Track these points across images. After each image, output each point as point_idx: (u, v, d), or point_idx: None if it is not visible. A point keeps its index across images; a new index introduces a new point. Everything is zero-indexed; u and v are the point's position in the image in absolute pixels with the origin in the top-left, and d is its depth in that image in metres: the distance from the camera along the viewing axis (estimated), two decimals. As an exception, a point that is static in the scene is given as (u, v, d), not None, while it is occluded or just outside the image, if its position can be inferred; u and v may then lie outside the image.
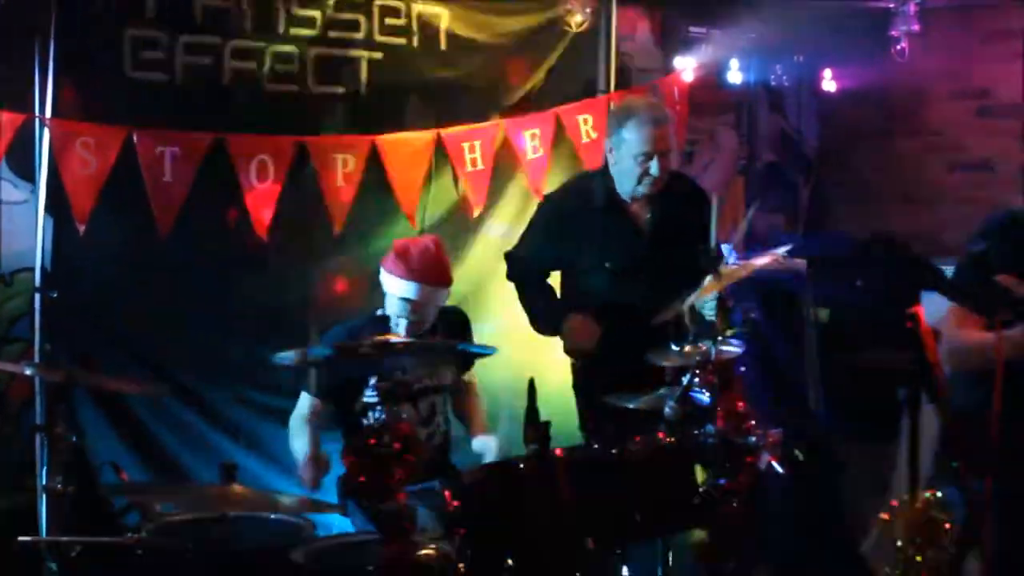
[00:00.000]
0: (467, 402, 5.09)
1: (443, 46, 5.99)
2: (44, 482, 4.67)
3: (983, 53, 7.69)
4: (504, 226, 6.12)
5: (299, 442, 4.76)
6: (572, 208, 5.08)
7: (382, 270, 4.78)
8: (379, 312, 4.84)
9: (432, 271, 4.73)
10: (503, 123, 6.03)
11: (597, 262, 4.96)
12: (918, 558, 3.06)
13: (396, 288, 4.72)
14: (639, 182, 4.87)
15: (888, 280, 3.84)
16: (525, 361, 5.84)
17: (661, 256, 4.87)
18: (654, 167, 4.83)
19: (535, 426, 3.62)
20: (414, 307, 4.71)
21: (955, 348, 4.17)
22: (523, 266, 5.18)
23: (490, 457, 4.77)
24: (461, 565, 3.57)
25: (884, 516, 3.13)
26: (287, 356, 3.90)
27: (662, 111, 5.01)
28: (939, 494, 3.14)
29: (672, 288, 4.43)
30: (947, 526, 3.08)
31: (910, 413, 3.47)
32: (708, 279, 4.31)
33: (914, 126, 8.01)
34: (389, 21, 5.82)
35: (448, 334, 4.92)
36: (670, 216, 4.96)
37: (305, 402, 4.84)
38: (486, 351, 4.45)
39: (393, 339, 4.33)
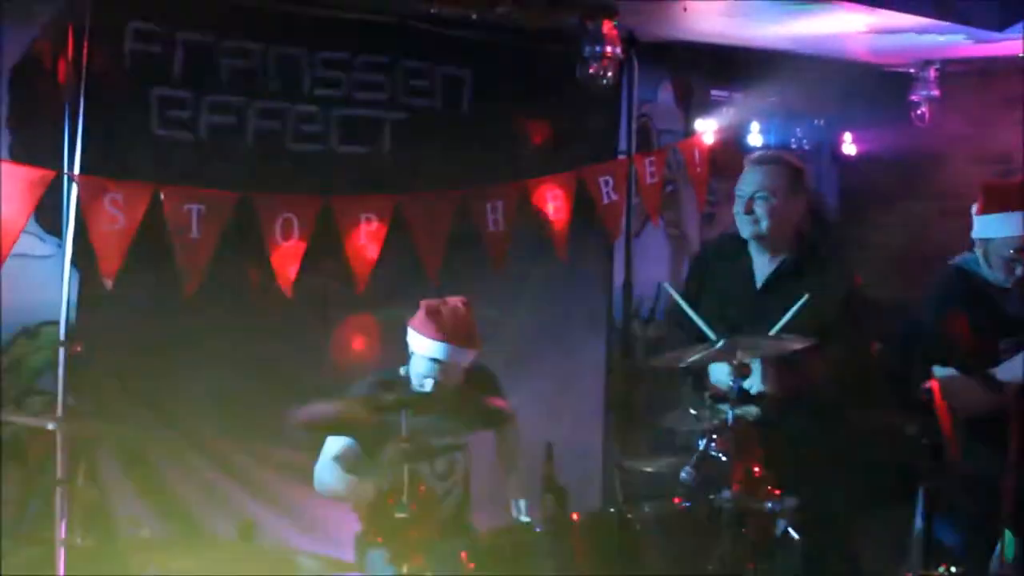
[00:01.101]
0: (505, 449, 5.08)
1: (466, 107, 6.06)
2: (63, 535, 4.70)
3: (1003, 118, 7.72)
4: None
5: (331, 477, 4.72)
6: None
7: (410, 329, 4.77)
8: (402, 370, 4.84)
9: (461, 333, 4.72)
10: (525, 183, 6.07)
11: None
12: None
13: (424, 348, 4.71)
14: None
15: (904, 351, 3.87)
16: (545, 418, 5.88)
17: None
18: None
19: (553, 490, 3.64)
20: (442, 367, 4.71)
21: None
22: None
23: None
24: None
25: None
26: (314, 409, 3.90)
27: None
28: (953, 569, 3.14)
29: None
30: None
31: (924, 484, 3.49)
32: (720, 343, 4.34)
33: (934, 190, 8.03)
34: (413, 82, 5.89)
35: (476, 392, 4.92)
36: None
37: (333, 443, 4.81)
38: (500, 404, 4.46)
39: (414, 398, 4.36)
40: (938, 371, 4.28)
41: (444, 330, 4.68)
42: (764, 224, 4.89)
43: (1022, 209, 4.75)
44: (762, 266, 4.98)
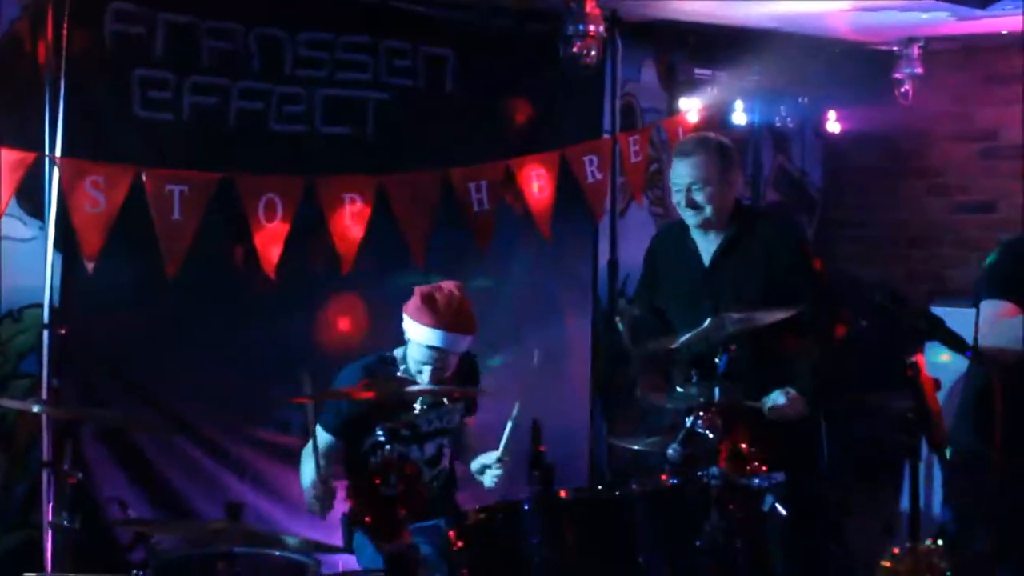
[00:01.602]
0: (464, 441, 5.09)
1: (449, 87, 6.04)
2: (50, 518, 4.69)
3: (987, 95, 7.74)
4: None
5: (308, 467, 4.74)
6: None
7: (405, 316, 4.73)
8: (389, 354, 4.83)
9: (459, 319, 4.68)
10: (509, 163, 6.06)
11: None
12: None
13: (422, 336, 4.66)
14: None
15: (890, 327, 3.87)
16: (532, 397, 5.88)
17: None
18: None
19: (540, 468, 3.64)
20: (440, 355, 4.68)
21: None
22: None
23: (492, 468, 4.68)
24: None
25: (885, 564, 3.14)
26: (301, 393, 3.90)
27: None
28: (940, 542, 3.15)
29: None
30: (950, 574, 3.09)
31: (910, 461, 3.50)
32: (707, 323, 4.35)
33: (918, 167, 8.05)
34: (396, 62, 5.87)
35: (458, 379, 4.91)
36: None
37: (321, 437, 4.83)
38: (482, 392, 4.44)
39: (412, 386, 4.35)
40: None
41: (441, 317, 4.64)
42: (708, 210, 4.91)
43: None
44: (706, 245, 5.00)
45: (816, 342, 4.76)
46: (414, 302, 4.69)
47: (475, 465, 4.79)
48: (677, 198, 4.96)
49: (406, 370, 4.74)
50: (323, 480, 4.40)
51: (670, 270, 5.15)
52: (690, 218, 4.95)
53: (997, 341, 4.30)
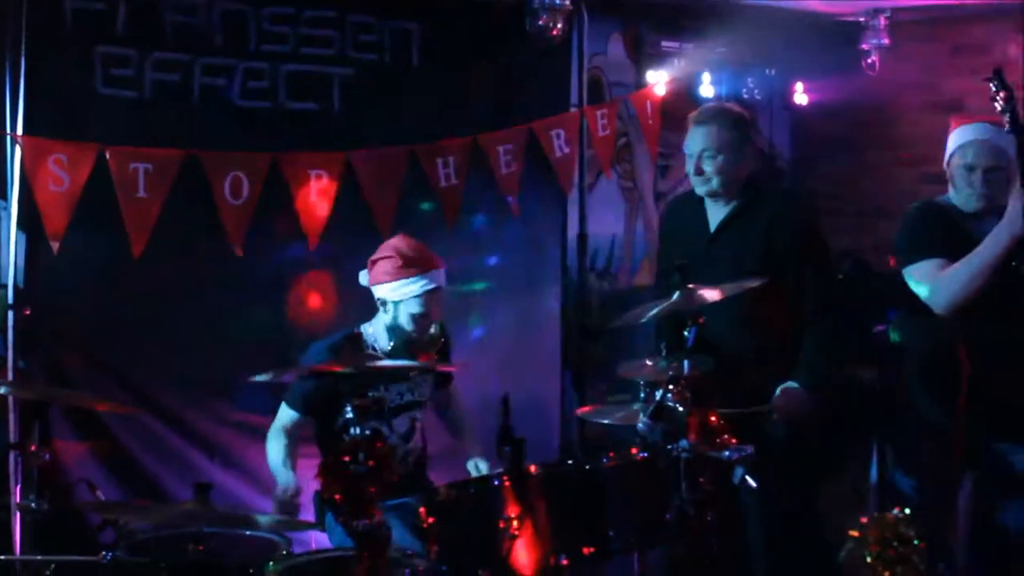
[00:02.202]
0: (453, 415, 5.08)
1: (415, 61, 6.01)
2: (18, 500, 4.66)
3: (953, 66, 7.75)
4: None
5: (275, 451, 4.73)
6: None
7: (382, 285, 4.70)
8: (355, 331, 4.81)
9: (431, 256, 4.70)
10: (476, 138, 6.04)
11: None
12: (887, 574, 3.08)
13: (417, 287, 4.65)
14: None
15: (856, 296, 3.89)
16: (502, 372, 5.89)
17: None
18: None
19: (510, 443, 3.63)
20: (436, 297, 4.68)
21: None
22: None
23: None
24: (436, 581, 3.58)
25: (854, 533, 3.15)
26: (264, 376, 3.88)
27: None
28: (908, 511, 3.17)
29: None
30: (917, 542, 3.10)
31: (878, 431, 3.51)
32: (675, 296, 4.34)
33: (885, 138, 8.07)
34: (362, 37, 5.83)
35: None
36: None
37: (285, 414, 4.81)
38: (454, 368, 4.44)
39: (376, 361, 4.34)
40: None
41: (422, 263, 4.65)
42: (715, 181, 4.91)
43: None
44: (716, 214, 4.99)
45: (816, 329, 4.75)
46: (388, 265, 4.66)
47: (470, 466, 4.80)
48: (688, 166, 4.97)
49: (375, 345, 4.73)
50: (284, 493, 4.43)
51: (679, 239, 5.13)
52: (698, 186, 4.95)
53: (947, 295, 4.41)
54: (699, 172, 4.90)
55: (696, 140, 4.93)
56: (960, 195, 4.63)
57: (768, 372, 4.76)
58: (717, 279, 4.42)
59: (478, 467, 4.78)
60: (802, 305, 4.76)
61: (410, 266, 4.64)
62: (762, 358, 4.77)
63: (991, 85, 4.24)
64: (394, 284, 4.67)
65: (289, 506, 4.47)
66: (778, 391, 4.71)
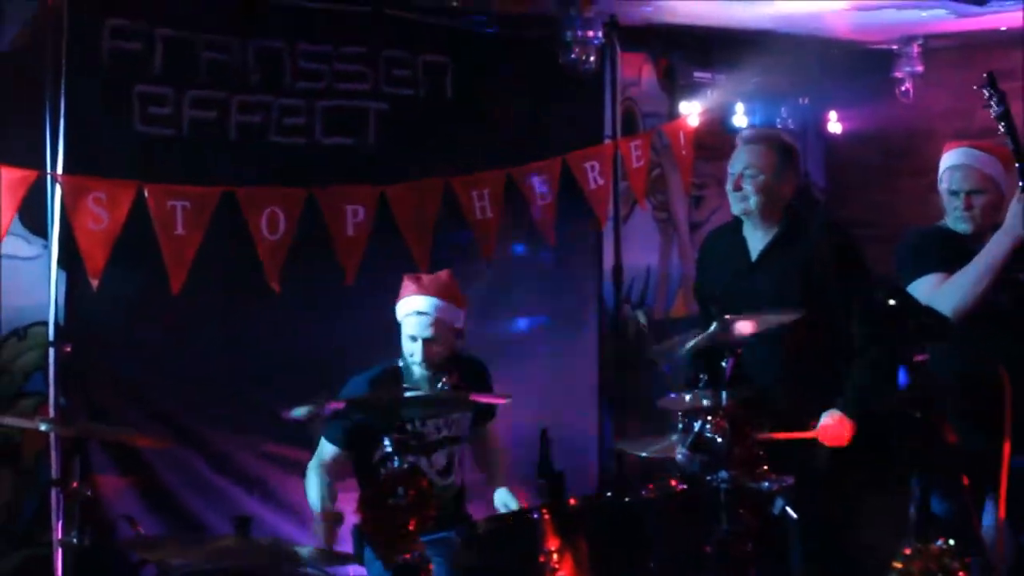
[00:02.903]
0: (486, 452, 5.07)
1: (449, 94, 6.04)
2: (60, 536, 4.68)
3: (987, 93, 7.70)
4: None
5: (315, 487, 4.74)
6: None
7: (397, 306, 4.76)
8: (394, 364, 4.83)
9: (445, 289, 4.72)
10: (510, 171, 6.05)
11: None
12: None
13: (409, 306, 4.69)
14: None
15: (895, 327, 3.87)
16: (539, 405, 5.87)
17: None
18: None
19: (549, 476, 3.63)
20: (429, 323, 4.68)
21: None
22: None
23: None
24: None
25: (897, 564, 3.13)
26: (301, 411, 3.90)
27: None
28: (952, 542, 3.14)
29: None
30: (960, 574, 3.07)
31: (921, 460, 3.49)
32: (712, 327, 4.33)
33: (919, 166, 8.00)
34: (396, 72, 5.87)
35: (467, 383, 4.90)
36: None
37: (325, 448, 4.82)
38: (494, 400, 4.44)
39: (408, 393, 4.35)
40: None
41: (424, 286, 4.71)
42: (753, 201, 4.89)
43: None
44: (755, 241, 4.99)
45: (864, 358, 4.74)
46: (402, 286, 4.72)
47: (497, 500, 4.78)
48: (728, 183, 4.98)
49: (411, 379, 4.74)
50: (326, 516, 4.43)
51: (718, 267, 5.14)
52: (735, 204, 4.95)
53: (950, 303, 4.45)
54: (738, 188, 4.90)
55: (741, 158, 4.95)
56: (950, 218, 4.79)
57: (809, 399, 4.74)
58: (758, 307, 4.42)
59: (506, 504, 4.76)
60: (843, 332, 4.75)
61: (412, 286, 4.70)
62: (803, 385, 4.75)
63: (984, 91, 4.28)
64: (399, 302, 4.74)
65: (331, 533, 4.45)
66: (823, 417, 4.70)
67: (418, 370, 4.73)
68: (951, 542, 3.13)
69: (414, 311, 4.68)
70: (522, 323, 6.32)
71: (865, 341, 4.70)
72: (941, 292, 4.52)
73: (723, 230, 5.23)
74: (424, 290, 4.70)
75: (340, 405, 4.12)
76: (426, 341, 4.68)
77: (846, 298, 4.75)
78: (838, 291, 4.77)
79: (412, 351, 4.71)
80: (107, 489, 5.13)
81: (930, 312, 4.02)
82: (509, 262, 6.25)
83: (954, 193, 4.76)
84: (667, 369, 4.98)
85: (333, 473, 4.76)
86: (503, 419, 5.23)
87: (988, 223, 4.64)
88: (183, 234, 5.15)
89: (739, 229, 5.04)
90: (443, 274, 4.82)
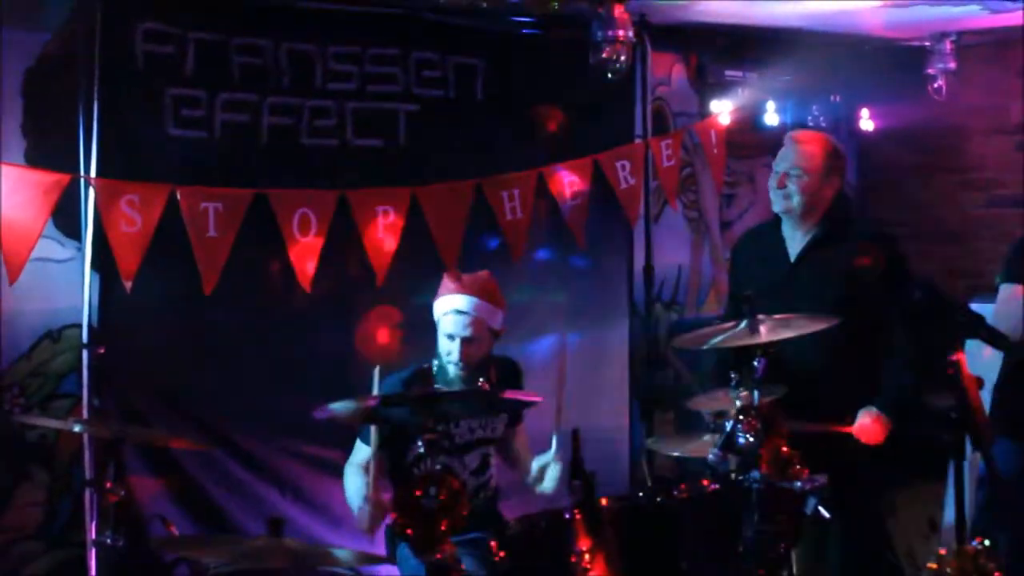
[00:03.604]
0: (518, 453, 5.07)
1: (479, 95, 6.04)
2: (94, 536, 4.72)
3: (1021, 89, 7.66)
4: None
5: (354, 486, 4.73)
6: None
7: (435, 305, 4.76)
8: (426, 365, 4.83)
9: (484, 288, 4.70)
10: (541, 171, 6.05)
11: None
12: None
13: (448, 304, 4.67)
14: None
15: (931, 326, 3.85)
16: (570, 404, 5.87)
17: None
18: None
19: (581, 476, 3.62)
20: (468, 322, 4.66)
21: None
22: None
23: (552, 465, 4.67)
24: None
25: (932, 565, 3.11)
26: (338, 407, 3.90)
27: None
28: (987, 542, 3.12)
29: None
30: (997, 575, 3.05)
31: (954, 460, 3.47)
32: (741, 325, 4.32)
33: (952, 163, 7.99)
34: (426, 73, 5.88)
35: (500, 384, 4.90)
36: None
37: (360, 450, 4.83)
38: (531, 401, 4.43)
39: (440, 389, 4.35)
40: None
41: (463, 285, 4.69)
42: (795, 200, 4.90)
43: None
44: (794, 241, 4.99)
45: (901, 357, 4.73)
46: (441, 285, 4.73)
47: (534, 468, 4.74)
48: (772, 180, 4.98)
49: (445, 380, 4.73)
50: (374, 501, 4.42)
51: (755, 267, 5.13)
52: (777, 202, 4.95)
53: (1005, 321, 4.45)
54: (781, 186, 4.90)
55: (788, 157, 4.95)
56: None
57: (845, 396, 4.73)
58: (796, 307, 4.41)
59: (541, 465, 4.72)
60: (882, 332, 4.74)
61: (452, 285, 4.69)
62: (839, 381, 4.74)
63: None
64: (437, 300, 4.73)
65: (375, 519, 4.45)
66: (859, 415, 4.68)
67: (453, 370, 4.72)
68: (986, 542, 3.11)
69: (453, 309, 4.66)
70: (553, 323, 6.30)
71: (902, 340, 4.69)
72: (1004, 305, 4.48)
73: (761, 229, 5.22)
74: (464, 289, 4.68)
75: (377, 401, 4.12)
76: (464, 340, 4.66)
77: (889, 301, 4.73)
78: (881, 295, 4.75)
79: (449, 350, 4.69)
80: (140, 490, 5.15)
81: (966, 310, 3.99)
82: (540, 263, 6.25)
83: None
84: (682, 357, 4.98)
85: (370, 475, 4.77)
86: (532, 416, 5.22)
87: None
88: (215, 236, 5.16)
89: (778, 228, 5.03)
90: (483, 274, 4.80)
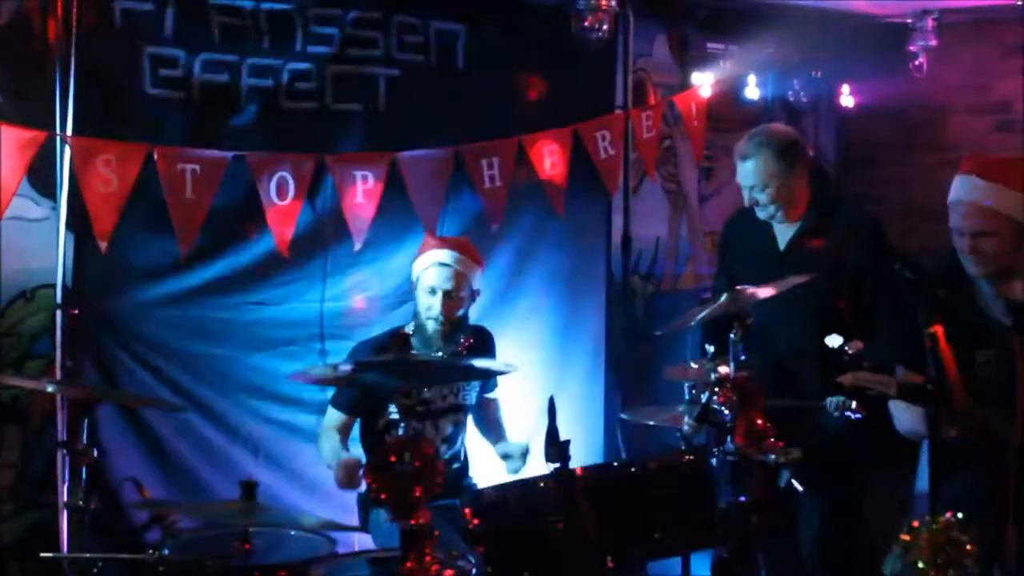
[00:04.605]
0: (489, 416, 5.08)
1: (461, 62, 6.01)
2: (66, 498, 4.70)
3: (1002, 67, 7.67)
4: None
5: (328, 446, 4.74)
6: None
7: (415, 265, 4.79)
8: (400, 330, 4.84)
9: (465, 247, 4.87)
10: (521, 139, 6.03)
11: None
12: (939, 580, 3.04)
13: (431, 258, 4.74)
14: None
15: (913, 302, 3.86)
16: (545, 373, 5.87)
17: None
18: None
19: (555, 444, 3.62)
20: (450, 275, 4.69)
21: None
22: None
23: (515, 459, 4.74)
24: (481, 583, 3.58)
25: (905, 537, 3.11)
26: (316, 372, 3.90)
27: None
28: (960, 515, 3.13)
29: None
30: (969, 547, 3.06)
31: (931, 432, 3.48)
32: (723, 297, 4.33)
33: (932, 141, 8.00)
34: (407, 38, 5.84)
35: (475, 352, 4.91)
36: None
37: (332, 415, 4.84)
38: (505, 370, 4.44)
39: (415, 356, 4.35)
40: None
41: (447, 242, 4.87)
42: (772, 208, 4.95)
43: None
44: (783, 231, 5.03)
45: (883, 333, 4.74)
46: (421, 245, 4.85)
47: (499, 450, 4.79)
48: (744, 194, 5.06)
49: (423, 338, 4.74)
50: (347, 462, 4.43)
51: (744, 254, 5.18)
52: (759, 213, 4.99)
53: None
54: (751, 201, 4.95)
55: (743, 175, 4.99)
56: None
57: (825, 371, 4.75)
58: (789, 296, 4.44)
59: (508, 453, 4.76)
60: (863, 306, 4.76)
61: (434, 242, 4.78)
62: (820, 357, 4.76)
63: None
64: (417, 259, 4.76)
65: (354, 473, 4.46)
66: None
67: (432, 326, 4.72)
68: (959, 515, 3.12)
69: (436, 262, 4.73)
70: (530, 292, 6.30)
71: (885, 318, 4.71)
72: None
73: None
74: (446, 245, 4.76)
75: (353, 366, 4.11)
76: (446, 293, 4.71)
77: (873, 282, 4.76)
78: (867, 273, 4.78)
79: (430, 305, 4.71)
80: (113, 452, 5.13)
81: (946, 284, 3.99)
82: (518, 231, 6.23)
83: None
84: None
85: (343, 436, 4.78)
86: (508, 385, 5.23)
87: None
88: (192, 198, 5.12)
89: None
90: (463, 237, 4.99)
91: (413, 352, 4.70)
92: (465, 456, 5.02)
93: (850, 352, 4.19)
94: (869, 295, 4.82)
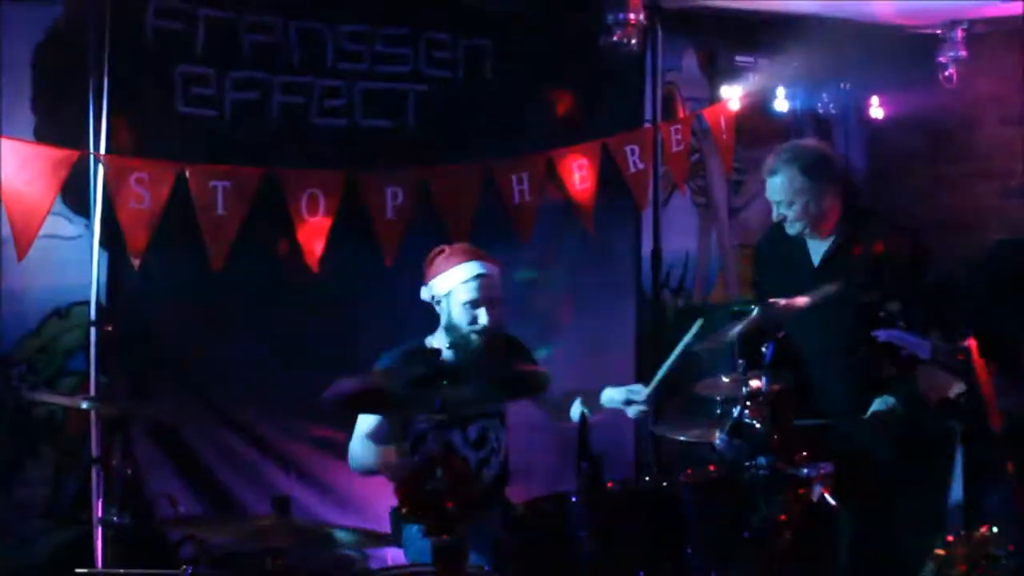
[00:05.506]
0: (549, 400, 5.00)
1: (489, 77, 6.03)
2: (100, 514, 4.72)
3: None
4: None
5: (368, 450, 4.67)
6: None
7: (434, 281, 4.71)
8: (427, 344, 4.81)
9: (483, 253, 4.74)
10: (550, 154, 6.04)
11: None
12: (975, 594, 3.03)
13: (467, 271, 4.65)
14: None
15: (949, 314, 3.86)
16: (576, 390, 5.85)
17: None
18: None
19: (587, 459, 3.62)
20: (492, 284, 4.66)
21: None
22: None
23: (639, 402, 4.64)
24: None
25: (940, 552, 3.10)
26: (349, 384, 3.90)
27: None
28: (995, 529, 3.11)
29: None
30: (1005, 561, 3.05)
31: (965, 446, 3.47)
32: (755, 311, 4.33)
33: (962, 152, 7.97)
34: (436, 54, 5.86)
35: (507, 359, 4.88)
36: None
37: (363, 421, 4.80)
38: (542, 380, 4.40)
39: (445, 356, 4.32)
40: None
41: (468, 252, 4.71)
42: (799, 225, 4.94)
43: None
44: (816, 247, 5.01)
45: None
46: (431, 266, 4.71)
47: (618, 395, 4.70)
48: (773, 209, 5.03)
49: (462, 354, 4.71)
50: (388, 455, 4.41)
51: (778, 268, 5.15)
52: (788, 228, 4.98)
53: None
54: (782, 219, 4.94)
55: (771, 190, 4.98)
56: None
57: (861, 387, 4.74)
58: (824, 312, 4.42)
59: (631, 398, 4.71)
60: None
61: (458, 254, 4.68)
62: (855, 373, 4.75)
63: None
64: (444, 274, 4.68)
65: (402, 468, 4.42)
66: (874, 403, 4.68)
67: (475, 339, 4.67)
68: (995, 529, 3.11)
69: (476, 275, 4.64)
70: (560, 307, 6.29)
71: (920, 331, 4.69)
72: None
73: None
74: (477, 256, 4.69)
75: (383, 379, 4.10)
76: (492, 302, 4.64)
77: (908, 293, 4.74)
78: (904, 287, 4.76)
79: (474, 316, 4.65)
80: (147, 468, 5.16)
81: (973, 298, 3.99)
82: (547, 246, 6.23)
83: None
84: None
85: (376, 443, 4.74)
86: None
87: None
88: (224, 215, 5.16)
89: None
90: (465, 243, 4.87)
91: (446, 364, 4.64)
92: (501, 461, 4.96)
93: (889, 310, 4.17)
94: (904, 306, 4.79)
